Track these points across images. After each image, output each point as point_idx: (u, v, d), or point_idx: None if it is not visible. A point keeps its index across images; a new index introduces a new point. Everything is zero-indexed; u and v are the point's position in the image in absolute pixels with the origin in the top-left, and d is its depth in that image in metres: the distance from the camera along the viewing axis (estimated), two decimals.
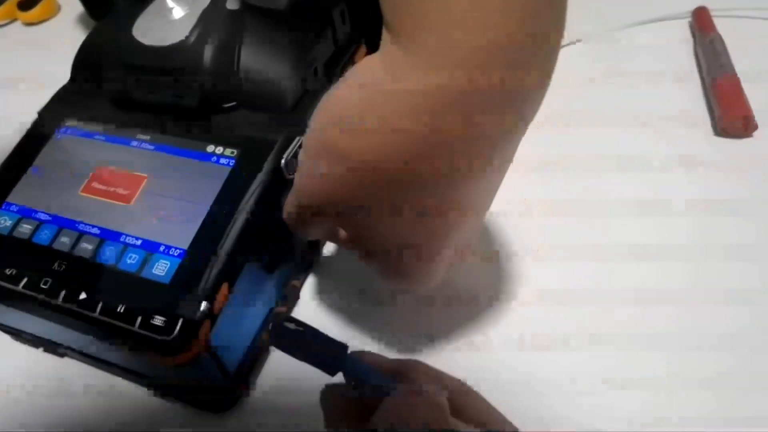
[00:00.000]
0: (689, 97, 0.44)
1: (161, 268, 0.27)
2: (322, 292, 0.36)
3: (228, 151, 0.30)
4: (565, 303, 0.33)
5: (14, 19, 0.62)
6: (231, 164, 0.30)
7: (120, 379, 0.33)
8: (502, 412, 0.24)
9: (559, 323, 0.32)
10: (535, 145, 0.37)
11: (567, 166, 0.40)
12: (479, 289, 0.34)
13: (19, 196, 0.32)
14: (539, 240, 0.36)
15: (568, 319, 0.32)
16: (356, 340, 0.33)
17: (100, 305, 0.27)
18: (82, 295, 0.27)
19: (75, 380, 0.33)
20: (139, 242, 0.28)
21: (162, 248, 0.28)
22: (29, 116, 0.35)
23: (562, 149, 0.41)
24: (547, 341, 0.32)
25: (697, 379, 0.30)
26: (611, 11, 0.51)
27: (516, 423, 0.24)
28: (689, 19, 0.50)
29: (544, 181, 0.39)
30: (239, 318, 0.30)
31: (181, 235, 0.28)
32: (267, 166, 0.29)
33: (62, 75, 0.36)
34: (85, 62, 0.36)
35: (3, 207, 0.31)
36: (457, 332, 0.33)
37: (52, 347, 0.34)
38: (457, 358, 0.32)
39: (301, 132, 0.30)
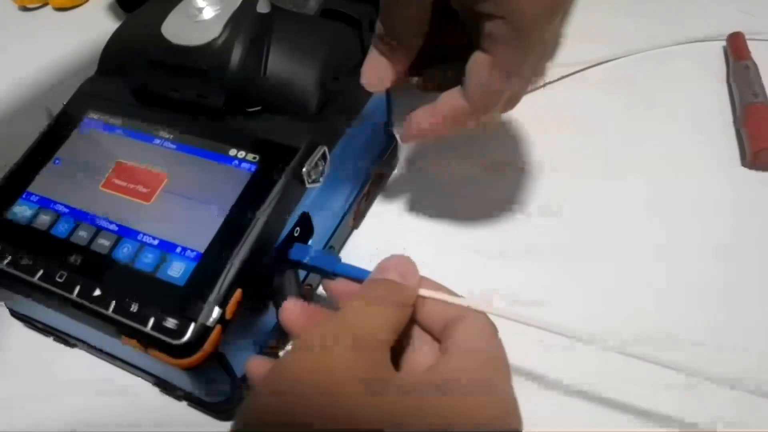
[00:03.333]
0: (718, 124, 0.43)
1: (176, 270, 0.27)
2: None
3: (250, 156, 0.30)
4: None
5: (45, 3, 0.62)
6: (252, 169, 0.30)
7: (127, 374, 0.33)
8: None
9: None
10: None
11: (584, 180, 0.40)
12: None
13: (40, 186, 0.32)
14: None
15: None
16: None
17: (113, 303, 0.27)
18: (96, 292, 0.27)
19: (82, 371, 0.33)
20: (156, 242, 0.28)
21: (178, 249, 0.28)
22: (56, 103, 0.35)
23: (579, 161, 0.41)
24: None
25: None
26: (644, 31, 0.50)
27: None
28: (723, 43, 0.49)
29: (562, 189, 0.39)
30: (250, 324, 0.30)
31: (199, 238, 0.28)
32: (288, 172, 0.29)
33: (90, 62, 0.36)
34: (112, 56, 0.36)
35: (23, 196, 0.32)
36: None
37: (63, 337, 0.34)
38: None
39: (324, 139, 0.31)
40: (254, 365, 0.24)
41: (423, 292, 0.25)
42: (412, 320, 0.25)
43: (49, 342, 0.35)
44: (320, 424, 0.18)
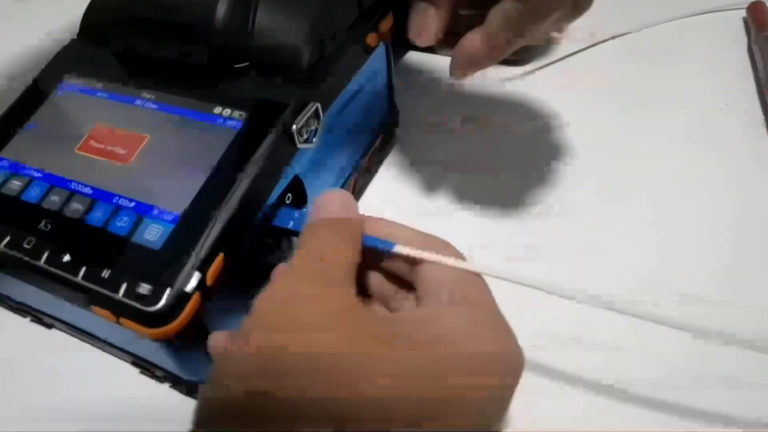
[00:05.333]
0: (742, 95, 0.41)
1: (153, 233, 0.25)
2: None
3: (236, 114, 0.28)
4: None
5: None
6: (238, 127, 0.27)
7: (107, 354, 0.30)
8: None
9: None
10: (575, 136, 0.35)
11: (601, 159, 0.37)
12: None
13: (12, 151, 0.30)
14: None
15: None
16: None
17: (83, 269, 0.24)
18: (66, 258, 0.25)
19: (60, 353, 0.31)
20: (132, 204, 0.26)
21: (155, 212, 0.25)
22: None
23: (599, 140, 0.38)
24: None
25: None
26: (661, 2, 0.47)
27: None
28: (743, 13, 0.46)
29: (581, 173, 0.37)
30: (239, 296, 0.27)
31: (178, 199, 0.25)
32: (276, 130, 0.27)
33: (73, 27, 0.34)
34: (94, 17, 0.33)
35: None
36: None
37: (38, 317, 0.31)
38: None
39: (317, 97, 0.28)
40: (217, 338, 0.22)
41: (398, 248, 0.22)
42: (380, 270, 0.23)
43: (25, 322, 0.32)
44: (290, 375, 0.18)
